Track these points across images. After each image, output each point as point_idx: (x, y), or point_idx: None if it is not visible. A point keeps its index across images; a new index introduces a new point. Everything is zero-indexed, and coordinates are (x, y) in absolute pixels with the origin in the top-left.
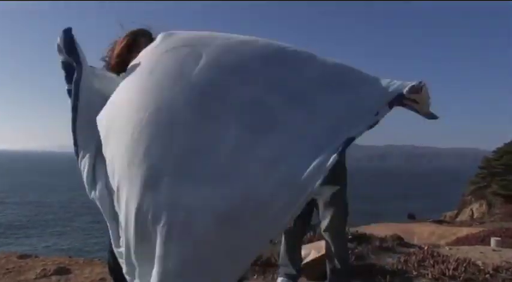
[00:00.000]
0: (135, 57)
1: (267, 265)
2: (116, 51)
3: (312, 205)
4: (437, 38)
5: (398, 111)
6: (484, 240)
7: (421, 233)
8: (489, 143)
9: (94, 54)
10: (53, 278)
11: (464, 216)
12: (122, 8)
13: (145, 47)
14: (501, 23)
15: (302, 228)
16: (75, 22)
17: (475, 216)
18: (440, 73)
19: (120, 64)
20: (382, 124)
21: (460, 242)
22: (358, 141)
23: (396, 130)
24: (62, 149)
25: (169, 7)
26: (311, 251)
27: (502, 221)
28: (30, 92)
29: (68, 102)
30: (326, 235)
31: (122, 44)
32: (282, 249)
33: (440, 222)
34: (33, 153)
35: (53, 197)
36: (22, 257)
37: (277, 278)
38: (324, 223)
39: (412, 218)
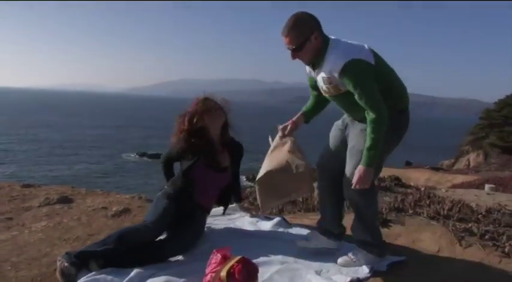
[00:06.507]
0: None
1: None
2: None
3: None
4: None
5: (398, 53)
6: (478, 187)
7: (418, 178)
8: (492, 95)
9: None
10: (56, 206)
11: (460, 165)
12: None
13: None
14: None
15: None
16: None
17: (471, 166)
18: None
19: None
20: None
21: (455, 188)
22: None
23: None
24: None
25: None
26: None
27: (497, 170)
28: None
29: None
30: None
31: None
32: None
33: (436, 169)
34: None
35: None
36: (25, 186)
37: None
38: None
39: (409, 164)
